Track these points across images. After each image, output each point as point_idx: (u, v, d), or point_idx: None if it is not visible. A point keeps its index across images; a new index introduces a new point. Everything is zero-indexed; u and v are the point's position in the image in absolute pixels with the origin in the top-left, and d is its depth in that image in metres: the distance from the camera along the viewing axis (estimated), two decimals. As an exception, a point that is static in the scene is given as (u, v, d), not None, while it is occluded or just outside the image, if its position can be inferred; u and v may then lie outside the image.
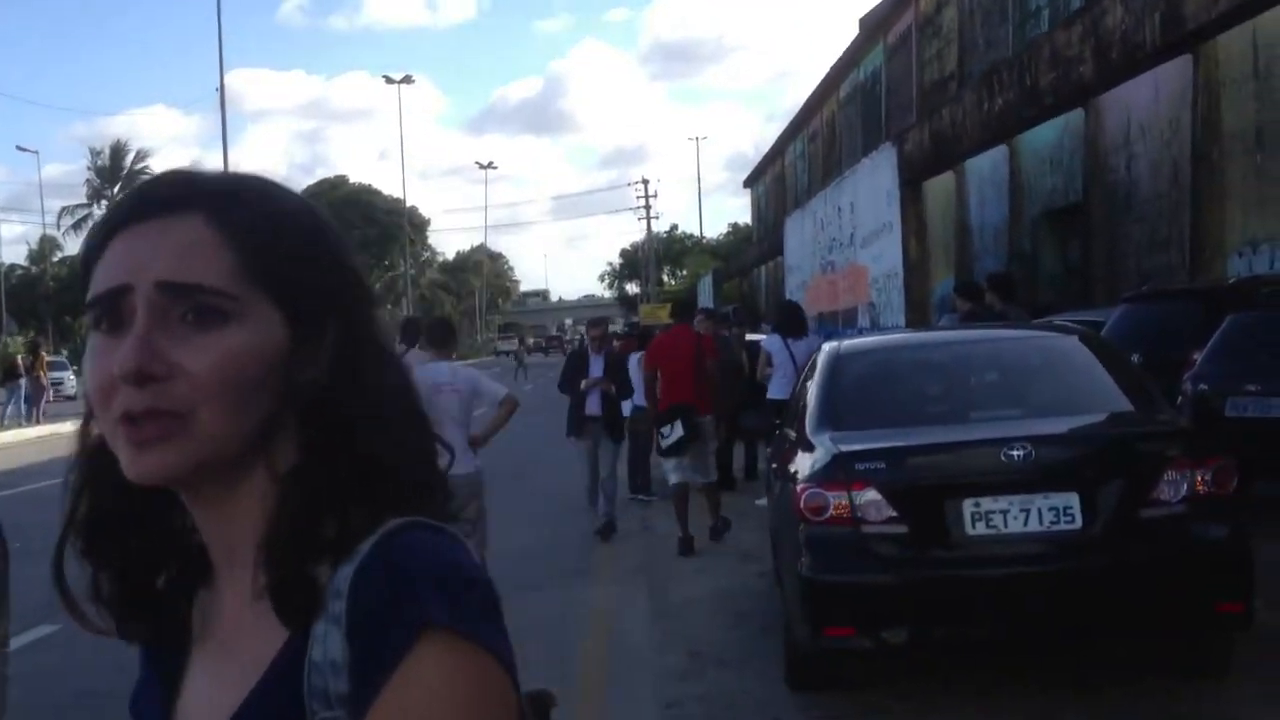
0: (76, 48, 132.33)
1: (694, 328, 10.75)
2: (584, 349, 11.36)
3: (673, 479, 9.81)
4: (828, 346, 6.87)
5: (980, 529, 5.05)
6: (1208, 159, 13.89)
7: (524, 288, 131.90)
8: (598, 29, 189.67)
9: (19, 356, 31.52)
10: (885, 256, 19.27)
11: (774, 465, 6.95)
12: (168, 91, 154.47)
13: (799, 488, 5.39)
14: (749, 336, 14.47)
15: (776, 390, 11.04)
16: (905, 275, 18.19)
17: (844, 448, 5.42)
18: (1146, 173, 15.83)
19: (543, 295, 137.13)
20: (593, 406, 10.73)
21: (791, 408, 7.22)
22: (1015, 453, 5.06)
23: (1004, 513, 5.04)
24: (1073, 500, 5.00)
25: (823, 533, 5.25)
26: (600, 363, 10.94)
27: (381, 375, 1.00)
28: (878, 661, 5.76)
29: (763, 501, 8.69)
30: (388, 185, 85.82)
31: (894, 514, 5.14)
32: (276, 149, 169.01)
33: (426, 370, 7.56)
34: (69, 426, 1.11)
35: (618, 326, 36.19)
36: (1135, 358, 8.32)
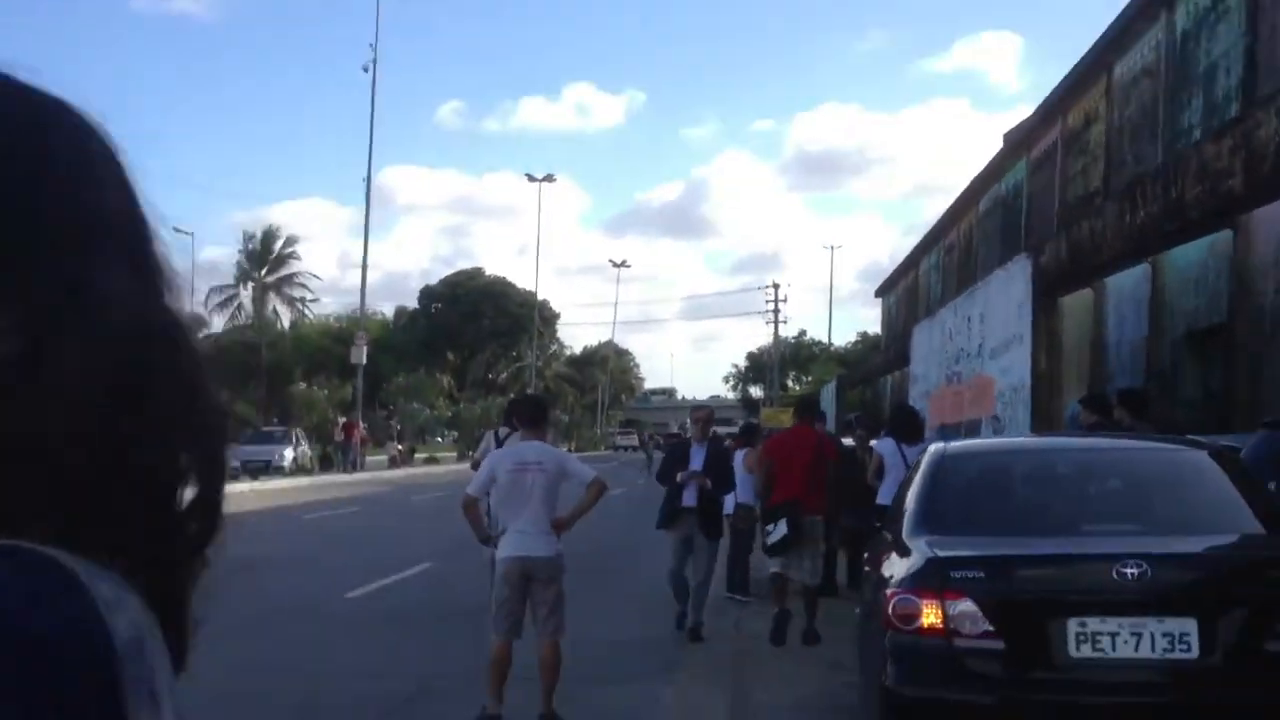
0: (244, 140, 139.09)
1: (815, 428, 10.57)
2: (687, 439, 11.01)
3: (773, 568, 9.62)
4: (933, 447, 6.52)
5: (1085, 651, 4.62)
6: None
7: (649, 385, 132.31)
8: (742, 138, 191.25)
9: None
10: (1014, 369, 18.64)
11: (867, 569, 6.57)
12: (326, 185, 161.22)
13: (889, 592, 5.03)
14: (872, 443, 14.13)
15: (886, 496, 10.57)
16: (1033, 388, 17.55)
17: (940, 553, 5.06)
18: (1296, 297, 15.07)
19: (668, 393, 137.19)
20: (688, 498, 10.22)
21: (893, 509, 6.85)
22: (1129, 571, 4.64)
23: (1113, 635, 4.61)
24: (1189, 626, 4.55)
25: (911, 643, 4.87)
26: (702, 454, 10.43)
27: (105, 355, 0.69)
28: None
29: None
30: (522, 279, 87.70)
31: (990, 628, 4.76)
32: (423, 241, 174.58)
33: (515, 449, 7.46)
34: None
35: (735, 429, 35.77)
36: (1272, 485, 7.74)
